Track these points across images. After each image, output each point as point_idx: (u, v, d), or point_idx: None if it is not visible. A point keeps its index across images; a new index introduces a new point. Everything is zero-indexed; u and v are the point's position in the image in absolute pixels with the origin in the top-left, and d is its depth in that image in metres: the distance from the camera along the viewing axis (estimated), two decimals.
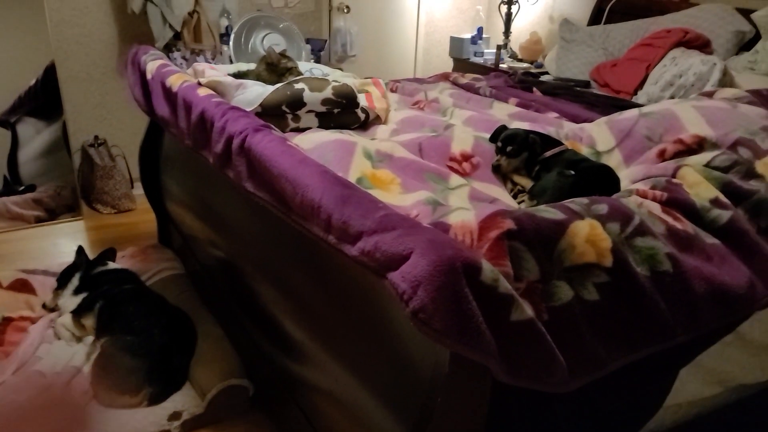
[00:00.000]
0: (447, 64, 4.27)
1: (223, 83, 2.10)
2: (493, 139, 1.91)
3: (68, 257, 2.40)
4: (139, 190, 3.36)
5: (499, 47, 3.77)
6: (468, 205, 1.55)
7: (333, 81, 2.13)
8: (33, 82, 3.63)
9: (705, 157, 1.67)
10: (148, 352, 1.93)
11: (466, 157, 1.84)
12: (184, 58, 3.30)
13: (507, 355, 1.03)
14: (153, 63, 2.27)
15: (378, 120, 2.23)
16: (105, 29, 3.39)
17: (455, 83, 2.92)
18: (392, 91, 2.79)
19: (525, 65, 3.71)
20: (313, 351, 1.55)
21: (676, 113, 1.84)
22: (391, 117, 2.28)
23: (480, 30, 4.10)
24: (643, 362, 1.30)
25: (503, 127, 1.93)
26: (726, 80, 2.42)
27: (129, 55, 2.49)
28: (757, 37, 2.72)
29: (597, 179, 1.66)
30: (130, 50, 2.51)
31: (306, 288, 1.55)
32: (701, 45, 2.74)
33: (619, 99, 2.67)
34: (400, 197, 1.53)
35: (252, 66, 2.45)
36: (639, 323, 1.27)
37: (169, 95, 2.07)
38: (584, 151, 1.92)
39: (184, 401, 1.91)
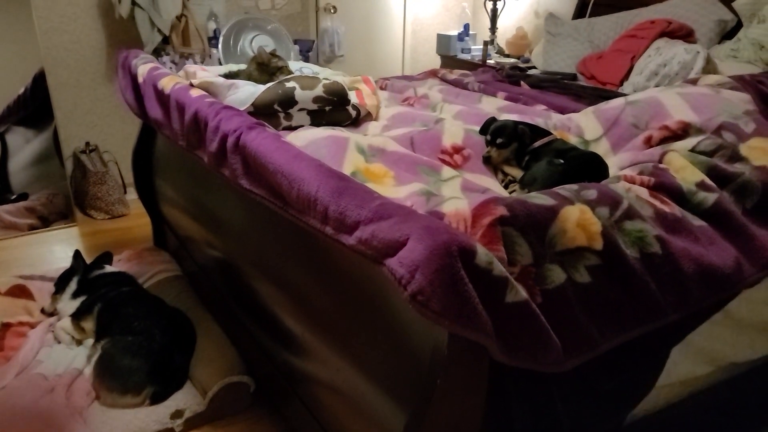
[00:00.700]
0: (434, 62, 4.31)
1: (215, 84, 2.13)
2: (483, 131, 1.94)
3: (64, 263, 2.42)
4: (132, 195, 3.38)
5: (485, 43, 3.81)
6: (461, 195, 1.58)
7: (324, 79, 2.16)
8: (22, 90, 3.64)
9: (690, 142, 1.71)
10: (148, 353, 1.95)
11: (457, 150, 1.87)
12: (173, 62, 3.31)
13: (503, 336, 1.06)
14: (144, 66, 2.29)
15: (369, 117, 2.26)
16: (93, 35, 3.40)
17: (444, 79, 2.95)
18: (382, 88, 2.83)
19: (512, 60, 3.75)
20: (312, 344, 1.58)
21: (661, 100, 1.88)
22: (382, 113, 2.31)
23: (466, 27, 4.14)
24: (635, 342, 1.33)
25: (492, 119, 1.96)
26: (709, 68, 2.46)
27: (119, 60, 2.50)
28: (738, 26, 2.77)
29: (586, 167, 1.69)
30: (120, 54, 2.52)
31: (303, 281, 1.57)
32: (685, 35, 2.78)
33: (606, 90, 2.71)
34: (393, 190, 1.56)
35: (243, 67, 2.47)
36: (630, 304, 1.30)
37: (162, 97, 2.08)
38: (573, 140, 1.95)
39: (186, 399, 1.93)
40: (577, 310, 1.24)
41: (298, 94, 2.05)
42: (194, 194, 2.31)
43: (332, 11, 4.06)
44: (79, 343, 2.14)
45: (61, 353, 2.08)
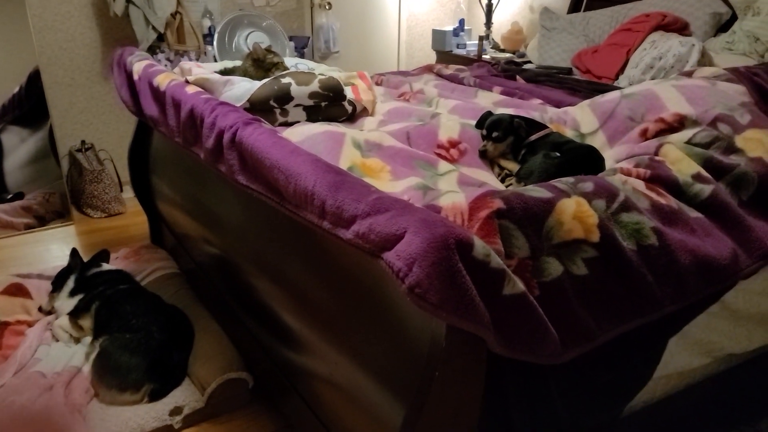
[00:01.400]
0: (430, 57, 4.31)
1: (211, 80, 2.12)
2: (479, 125, 1.94)
3: (61, 261, 2.41)
4: (128, 193, 3.37)
5: (481, 38, 3.81)
6: (457, 189, 1.58)
7: (319, 75, 2.16)
8: (16, 89, 3.62)
9: (686, 134, 1.72)
10: (147, 350, 1.95)
11: (453, 144, 1.87)
12: (168, 59, 3.31)
13: (501, 328, 1.07)
14: (139, 64, 2.28)
15: (365, 112, 2.26)
16: (88, 33, 3.40)
17: (439, 74, 2.95)
18: (377, 84, 2.82)
19: (507, 55, 3.75)
20: (310, 339, 1.58)
21: (656, 93, 1.89)
22: (378, 109, 2.31)
23: (461, 22, 4.14)
24: (633, 334, 1.34)
25: (488, 113, 1.96)
26: (704, 61, 2.47)
27: (114, 57, 2.49)
28: (733, 18, 2.78)
29: (582, 160, 1.69)
30: (115, 52, 2.51)
31: (301, 276, 1.57)
32: (680, 28, 2.79)
33: (601, 84, 2.71)
34: (390, 184, 1.56)
35: (238, 63, 2.47)
36: (627, 296, 1.31)
37: (158, 94, 2.08)
38: (569, 133, 1.96)
39: (185, 396, 1.93)
40: (574, 302, 1.24)
41: (294, 89, 2.05)
42: (191, 191, 2.31)
43: (327, 7, 4.05)
44: (77, 341, 2.14)
45: (59, 351, 2.08)
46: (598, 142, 1.90)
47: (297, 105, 2.07)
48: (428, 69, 3.09)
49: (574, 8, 3.65)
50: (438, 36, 4.07)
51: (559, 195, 1.31)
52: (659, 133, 1.78)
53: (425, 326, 1.10)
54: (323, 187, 1.22)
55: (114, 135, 3.64)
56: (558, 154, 1.71)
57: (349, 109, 2.19)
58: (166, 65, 3.25)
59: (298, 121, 2.08)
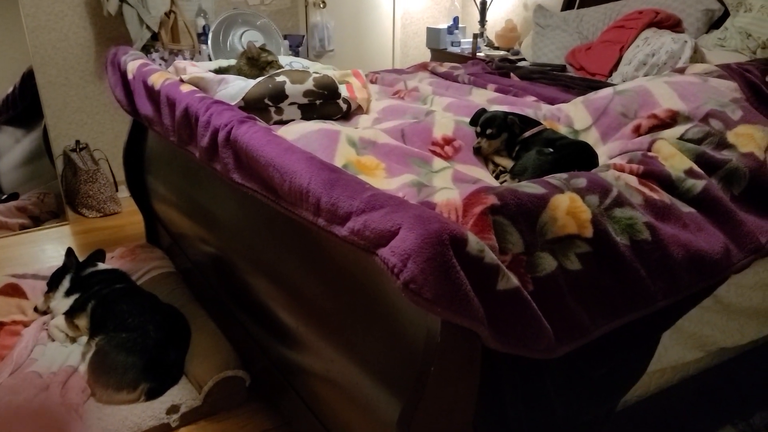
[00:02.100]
0: (424, 55, 4.31)
1: (206, 79, 2.12)
2: (473, 122, 1.95)
3: (57, 261, 2.41)
4: (123, 193, 3.37)
5: (475, 36, 3.82)
6: (452, 186, 1.58)
7: (314, 73, 2.16)
8: (10, 90, 3.61)
9: (678, 130, 1.73)
10: (143, 349, 1.95)
11: (447, 141, 1.88)
12: (162, 58, 3.31)
13: (495, 323, 1.07)
14: (133, 63, 2.28)
15: (360, 110, 2.26)
16: (81, 33, 3.39)
17: (434, 72, 2.96)
18: (372, 82, 2.83)
19: (502, 53, 3.76)
20: (306, 336, 1.59)
21: (649, 89, 1.90)
22: (373, 107, 2.31)
23: (456, 20, 4.14)
24: (626, 328, 1.35)
25: (482, 111, 1.97)
26: (697, 57, 2.48)
27: (108, 56, 2.49)
28: (725, 15, 2.79)
29: (575, 156, 1.70)
30: (110, 51, 2.51)
31: (296, 274, 1.58)
32: (672, 25, 2.80)
33: (595, 80, 2.72)
34: (385, 181, 1.56)
35: (232, 62, 2.47)
36: (621, 290, 1.32)
37: (152, 94, 2.08)
38: (562, 130, 1.96)
39: (182, 395, 1.94)
40: (568, 297, 1.25)
41: (289, 88, 2.05)
42: (186, 190, 2.31)
43: (321, 6, 4.05)
44: (73, 340, 2.15)
45: (55, 351, 2.08)
46: (591, 138, 1.91)
47: (292, 103, 2.08)
48: (423, 67, 3.09)
49: (567, 6, 3.66)
50: (432, 34, 4.07)
51: (552, 191, 1.32)
52: (652, 129, 1.79)
53: (420, 322, 1.11)
54: (318, 185, 1.23)
55: (108, 134, 3.63)
56: (552, 151, 1.72)
57: (344, 107, 2.19)
58: (160, 64, 3.24)
59: (292, 120, 2.08)
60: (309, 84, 2.09)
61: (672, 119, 1.78)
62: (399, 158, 1.72)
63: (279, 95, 2.04)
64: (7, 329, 2.19)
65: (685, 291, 1.41)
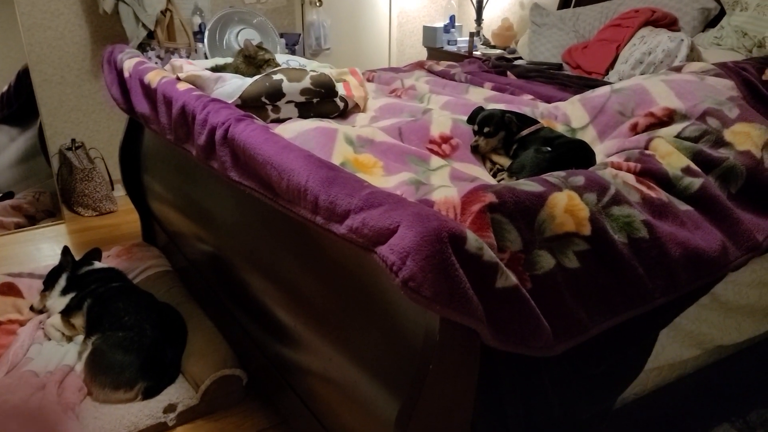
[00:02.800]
0: (421, 54, 4.31)
1: (202, 77, 2.12)
2: (471, 120, 1.95)
3: (53, 260, 2.40)
4: (119, 192, 3.36)
5: (471, 35, 3.82)
6: (449, 184, 1.58)
7: (311, 71, 2.16)
8: (5, 88, 3.60)
9: (675, 128, 1.73)
10: (140, 348, 1.94)
11: (445, 139, 1.88)
12: (158, 57, 3.30)
13: (494, 321, 1.07)
14: (130, 61, 2.27)
15: (357, 108, 2.26)
16: (77, 31, 3.38)
17: (431, 71, 2.96)
18: (369, 80, 2.82)
19: (498, 51, 3.76)
20: (304, 334, 1.58)
21: (646, 88, 1.90)
22: (370, 105, 2.31)
23: (452, 18, 4.14)
24: (624, 326, 1.35)
25: (480, 109, 1.97)
26: (693, 56, 2.49)
27: (105, 55, 2.48)
28: (722, 14, 2.80)
29: (573, 154, 1.70)
30: (106, 50, 2.50)
31: (294, 272, 1.58)
32: (669, 23, 2.81)
33: (591, 79, 2.73)
34: (383, 179, 1.56)
35: (229, 60, 2.46)
36: (618, 288, 1.32)
37: (149, 92, 2.08)
38: (559, 128, 1.96)
39: (179, 393, 1.93)
40: (566, 295, 1.25)
41: (286, 86, 2.05)
42: (183, 188, 2.30)
43: (318, 4, 4.05)
44: (70, 339, 2.14)
45: (51, 350, 2.07)
46: (588, 136, 1.91)
47: (289, 101, 2.07)
48: (420, 65, 3.09)
49: (564, 4, 3.67)
50: (429, 32, 4.07)
51: (550, 189, 1.32)
52: (649, 128, 1.79)
53: (419, 320, 1.10)
54: (316, 183, 1.22)
55: (104, 133, 3.62)
56: (549, 149, 1.72)
57: (341, 105, 2.19)
58: (156, 63, 3.24)
59: (289, 118, 2.08)
60: (306, 82, 2.08)
61: (669, 117, 1.78)
62: (396, 156, 1.71)
63: (276, 93, 2.04)
64: (3, 328, 2.18)
65: (682, 289, 1.41)
